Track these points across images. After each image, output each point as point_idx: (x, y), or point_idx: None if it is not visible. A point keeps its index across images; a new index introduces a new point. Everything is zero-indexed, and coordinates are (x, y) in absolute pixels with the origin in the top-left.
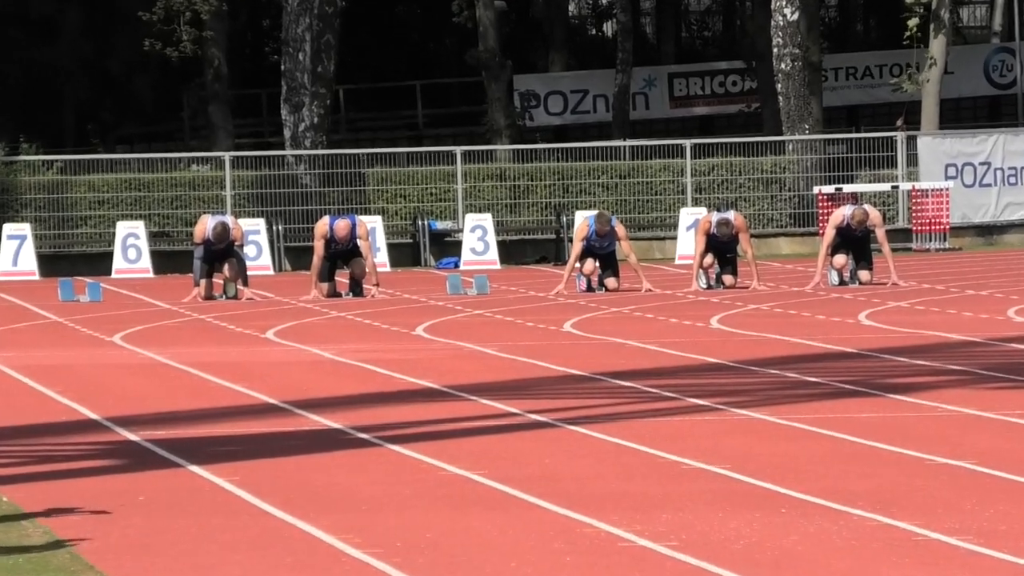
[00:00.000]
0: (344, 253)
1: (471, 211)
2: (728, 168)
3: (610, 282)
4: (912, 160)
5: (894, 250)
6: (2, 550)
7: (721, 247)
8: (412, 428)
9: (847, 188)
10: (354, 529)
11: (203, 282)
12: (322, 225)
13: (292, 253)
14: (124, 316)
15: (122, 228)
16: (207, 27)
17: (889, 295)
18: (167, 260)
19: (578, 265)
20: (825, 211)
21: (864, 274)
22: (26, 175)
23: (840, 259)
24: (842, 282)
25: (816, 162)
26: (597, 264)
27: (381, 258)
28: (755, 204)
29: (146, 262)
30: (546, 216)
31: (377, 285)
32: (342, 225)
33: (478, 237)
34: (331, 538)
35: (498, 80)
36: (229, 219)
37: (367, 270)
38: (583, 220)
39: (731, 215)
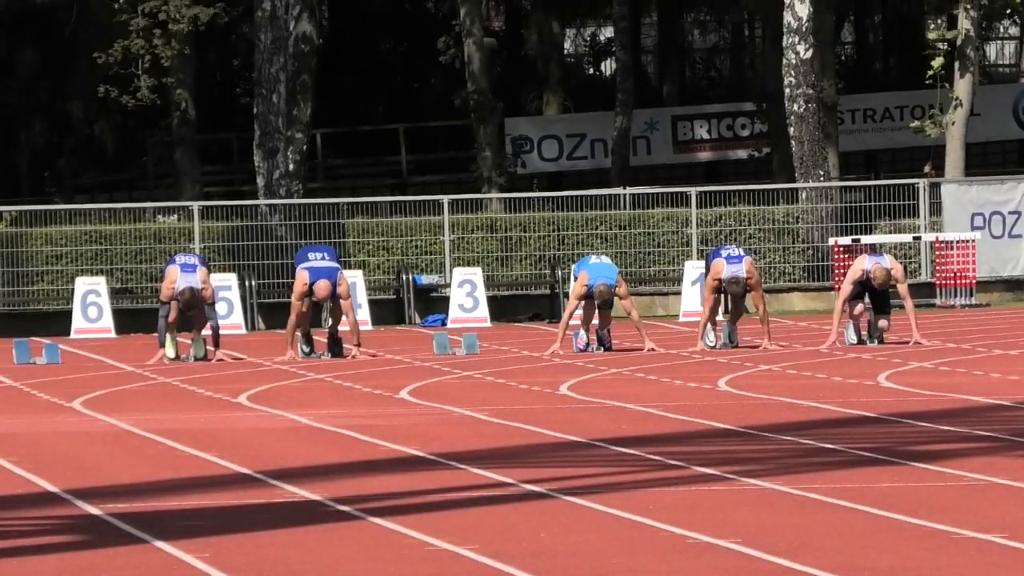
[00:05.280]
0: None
1: (459, 265)
2: (736, 218)
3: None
4: (936, 209)
5: (916, 306)
6: None
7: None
8: (396, 500)
9: (865, 239)
10: None
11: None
12: (301, 282)
13: (266, 310)
14: (84, 379)
15: (82, 284)
16: (172, 70)
17: (911, 355)
18: (130, 319)
19: (579, 312)
20: (841, 264)
21: (883, 322)
22: None
23: (858, 308)
24: (860, 340)
25: (832, 211)
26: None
27: (363, 315)
28: (766, 257)
29: (108, 321)
30: (540, 270)
31: (359, 345)
32: (322, 286)
33: (467, 293)
34: None
35: (488, 123)
36: (197, 278)
37: (349, 329)
38: (582, 273)
39: (743, 270)
